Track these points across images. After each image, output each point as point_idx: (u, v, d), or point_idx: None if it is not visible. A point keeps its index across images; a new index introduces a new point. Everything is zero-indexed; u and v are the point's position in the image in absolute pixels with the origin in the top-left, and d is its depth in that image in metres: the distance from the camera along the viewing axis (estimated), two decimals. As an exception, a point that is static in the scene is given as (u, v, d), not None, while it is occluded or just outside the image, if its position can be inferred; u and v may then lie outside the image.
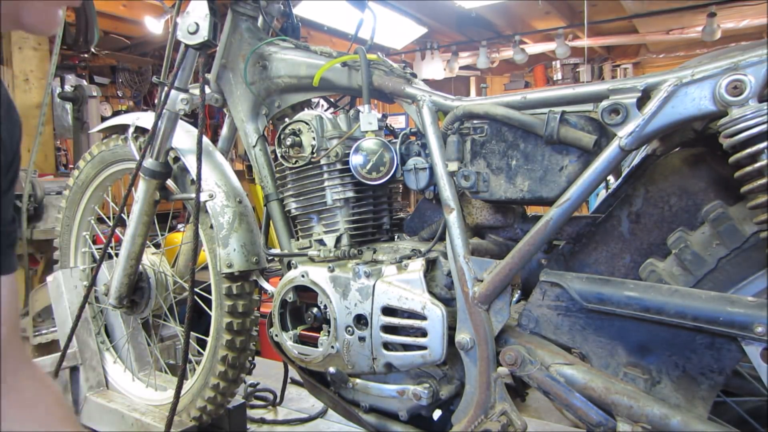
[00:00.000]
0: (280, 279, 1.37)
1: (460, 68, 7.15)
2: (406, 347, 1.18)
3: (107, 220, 1.87)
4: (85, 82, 4.86)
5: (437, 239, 1.21)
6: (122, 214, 1.51)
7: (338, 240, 1.30)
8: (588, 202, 1.77)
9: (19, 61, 3.19)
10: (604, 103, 0.97)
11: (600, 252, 1.11)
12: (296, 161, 1.32)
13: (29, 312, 2.68)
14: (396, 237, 1.40)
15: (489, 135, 1.12)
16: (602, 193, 1.29)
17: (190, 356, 1.45)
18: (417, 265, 1.17)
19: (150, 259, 1.69)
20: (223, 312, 1.45)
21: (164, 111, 1.44)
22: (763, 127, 0.83)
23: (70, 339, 1.65)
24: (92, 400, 1.74)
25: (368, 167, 1.23)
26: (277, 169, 1.40)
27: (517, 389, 1.18)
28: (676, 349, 0.99)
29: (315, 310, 1.31)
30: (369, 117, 1.26)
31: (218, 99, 1.52)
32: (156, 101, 1.61)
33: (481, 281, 1.10)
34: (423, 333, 1.14)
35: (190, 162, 1.48)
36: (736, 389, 1.13)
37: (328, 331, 1.27)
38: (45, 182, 2.88)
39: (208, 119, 5.30)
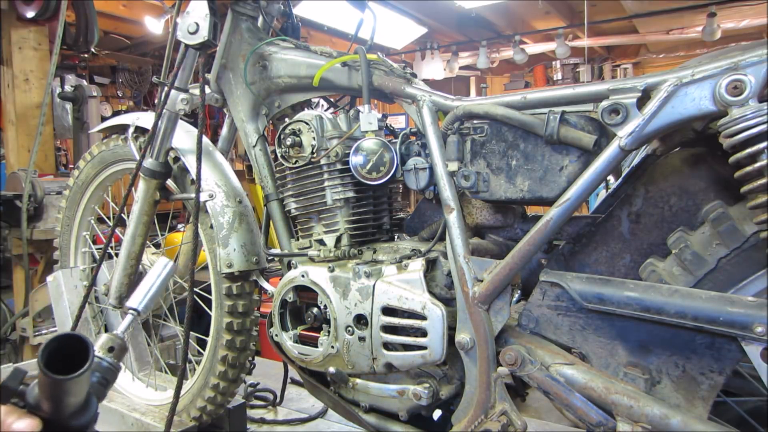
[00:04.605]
0: (280, 279, 1.37)
1: (460, 68, 7.16)
2: (406, 347, 1.18)
3: (107, 220, 1.87)
4: (85, 82, 4.86)
5: (437, 239, 1.21)
6: (122, 214, 1.51)
7: (338, 240, 1.30)
8: (588, 202, 1.77)
9: (19, 61, 3.19)
10: (604, 103, 0.98)
11: (600, 252, 1.11)
12: (296, 161, 1.32)
13: (29, 312, 2.68)
14: (396, 237, 1.40)
15: (489, 135, 1.12)
16: (602, 193, 1.29)
17: (190, 356, 1.45)
18: (417, 265, 1.17)
19: (150, 259, 1.69)
20: (223, 312, 1.45)
21: (164, 111, 1.44)
22: (763, 127, 0.84)
23: (70, 339, 1.64)
24: (92, 400, 1.74)
25: (368, 167, 1.23)
26: (277, 169, 1.40)
27: (517, 389, 1.18)
28: (676, 349, 0.99)
29: (315, 310, 1.31)
30: (369, 117, 1.26)
31: (218, 99, 1.52)
32: (156, 101, 1.61)
33: (481, 281, 1.10)
34: (423, 333, 1.14)
35: (190, 162, 1.48)
36: (736, 389, 1.13)
37: (328, 331, 1.27)
38: (45, 182, 2.88)
39: (208, 119, 5.30)
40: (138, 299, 1.16)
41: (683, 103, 0.91)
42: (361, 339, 1.21)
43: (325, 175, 1.29)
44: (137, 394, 1.73)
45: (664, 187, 1.05)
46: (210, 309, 1.51)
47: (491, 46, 6.69)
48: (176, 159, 1.53)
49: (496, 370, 1.10)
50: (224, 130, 1.64)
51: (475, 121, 1.14)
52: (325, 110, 1.49)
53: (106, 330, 1.87)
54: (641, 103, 0.95)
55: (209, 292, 1.50)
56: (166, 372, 1.84)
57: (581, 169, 1.02)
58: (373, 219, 1.36)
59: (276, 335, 1.36)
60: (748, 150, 0.85)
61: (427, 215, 1.35)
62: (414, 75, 1.30)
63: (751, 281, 0.93)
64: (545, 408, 2.39)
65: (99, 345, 0.91)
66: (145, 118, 1.58)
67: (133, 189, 1.51)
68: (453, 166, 1.15)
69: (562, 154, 1.05)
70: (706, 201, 1.00)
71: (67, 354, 0.68)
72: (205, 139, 1.47)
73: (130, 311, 1.15)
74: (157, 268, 1.21)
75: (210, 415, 1.56)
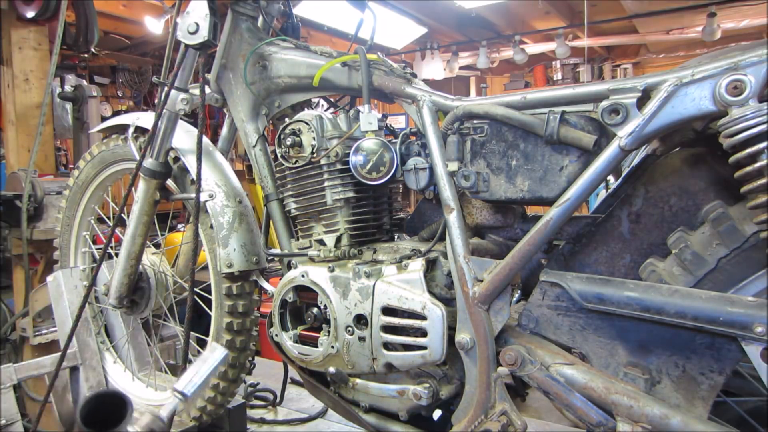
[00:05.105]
0: (280, 279, 1.37)
1: (460, 68, 7.15)
2: (406, 347, 1.18)
3: (107, 220, 1.87)
4: (85, 82, 4.85)
5: (437, 239, 1.21)
6: (122, 214, 1.51)
7: (338, 240, 1.30)
8: (588, 202, 1.77)
9: (19, 61, 3.18)
10: (604, 103, 0.98)
11: (600, 252, 1.11)
12: (296, 161, 1.32)
13: (29, 312, 2.68)
14: (396, 237, 1.40)
15: (489, 135, 1.12)
16: (602, 193, 1.29)
17: (190, 356, 1.45)
18: (417, 265, 1.17)
19: (150, 259, 1.69)
20: (223, 312, 1.45)
21: (164, 111, 1.44)
22: (763, 127, 0.84)
23: (70, 339, 1.65)
24: (92, 400, 1.74)
25: (368, 167, 1.23)
26: (277, 169, 1.41)
27: (517, 389, 1.18)
28: (676, 349, 0.99)
29: (315, 310, 1.31)
30: (369, 117, 1.26)
31: (218, 99, 1.52)
32: (156, 101, 1.61)
33: (481, 281, 1.10)
34: (423, 333, 1.14)
35: (190, 162, 1.48)
36: (736, 389, 1.13)
37: (328, 331, 1.27)
38: (45, 182, 2.88)
39: (208, 119, 5.30)
40: (185, 382, 1.09)
41: (683, 103, 0.91)
42: (361, 339, 1.21)
43: (325, 175, 1.29)
44: (137, 394, 1.73)
45: (664, 187, 1.05)
46: (210, 309, 1.51)
47: (491, 46, 6.69)
48: (176, 159, 1.53)
49: (496, 370, 1.10)
50: (224, 130, 1.64)
51: (475, 121, 1.14)
52: (325, 110, 1.49)
53: (106, 330, 1.87)
54: (641, 103, 0.95)
55: (209, 292, 1.50)
56: (166, 372, 1.84)
57: (581, 169, 1.02)
58: (373, 219, 1.36)
59: (276, 335, 1.36)
60: (748, 150, 0.85)
61: (427, 215, 1.35)
62: (414, 75, 1.30)
63: (751, 281, 0.93)
64: (545, 408, 2.39)
65: (141, 425, 0.87)
66: (145, 118, 1.58)
67: (133, 189, 1.51)
68: (453, 166, 1.15)
69: (562, 154, 1.05)
70: (706, 201, 1.00)
71: (103, 415, 0.65)
72: (205, 139, 1.47)
73: (177, 395, 1.08)
74: (208, 352, 1.14)
75: (210, 415, 1.56)
